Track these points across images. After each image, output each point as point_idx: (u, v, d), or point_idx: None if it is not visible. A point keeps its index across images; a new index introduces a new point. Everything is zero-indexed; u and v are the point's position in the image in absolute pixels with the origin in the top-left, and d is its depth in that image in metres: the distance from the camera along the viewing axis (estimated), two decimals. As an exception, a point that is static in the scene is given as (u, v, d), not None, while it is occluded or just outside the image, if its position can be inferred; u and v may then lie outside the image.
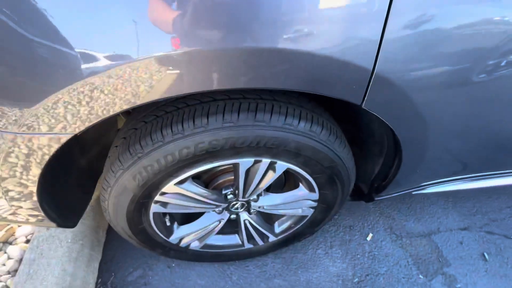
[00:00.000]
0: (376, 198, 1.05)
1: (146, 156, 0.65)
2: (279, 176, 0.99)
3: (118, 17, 0.45)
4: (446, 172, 1.06)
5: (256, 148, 0.69)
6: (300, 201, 0.93)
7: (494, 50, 0.57)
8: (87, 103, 0.52)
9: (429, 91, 0.59)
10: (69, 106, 0.52)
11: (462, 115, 0.69)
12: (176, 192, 0.75)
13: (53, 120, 0.54)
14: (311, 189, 0.88)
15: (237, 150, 0.67)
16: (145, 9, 0.45)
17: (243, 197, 0.86)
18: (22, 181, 0.67)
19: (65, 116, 0.54)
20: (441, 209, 1.46)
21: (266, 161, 0.73)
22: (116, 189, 0.71)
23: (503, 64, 0.60)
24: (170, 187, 0.73)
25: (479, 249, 1.29)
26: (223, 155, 0.68)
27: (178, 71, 0.49)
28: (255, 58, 0.50)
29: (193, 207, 0.83)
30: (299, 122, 0.67)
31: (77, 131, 0.56)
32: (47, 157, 0.60)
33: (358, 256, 1.24)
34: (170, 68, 0.49)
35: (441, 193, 1.49)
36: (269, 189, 1.03)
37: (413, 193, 1.15)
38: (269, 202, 0.93)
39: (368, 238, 1.31)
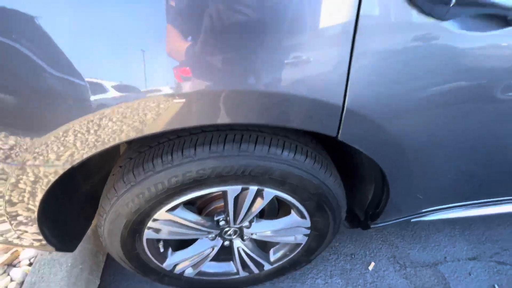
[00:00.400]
0: (372, 226, 1.04)
1: (138, 184, 0.70)
2: (273, 203, 1.01)
3: (131, 56, 0.51)
4: (445, 198, 1.04)
5: (242, 177, 0.72)
6: (293, 228, 0.94)
7: (467, 73, 0.59)
8: (95, 131, 0.57)
9: (403, 121, 0.62)
10: (79, 135, 0.58)
11: (444, 142, 0.70)
12: (168, 219, 0.78)
13: (57, 150, 0.60)
14: (302, 216, 0.89)
15: (223, 178, 0.71)
16: (158, 49, 0.51)
17: (235, 223, 0.88)
18: (30, 206, 0.72)
19: (74, 143, 0.58)
20: (448, 237, 1.41)
21: (253, 188, 0.76)
22: (110, 215, 0.75)
23: (478, 88, 0.61)
24: (161, 213, 0.76)
25: (489, 280, 1.22)
26: (211, 183, 0.72)
27: (186, 107, 0.55)
28: (245, 99, 0.56)
29: (185, 234, 0.85)
30: (282, 152, 0.71)
31: (76, 161, 0.62)
32: (48, 185, 0.65)
33: (359, 286, 1.20)
34: (178, 103, 0.54)
35: (445, 220, 1.45)
36: (263, 216, 1.04)
37: (412, 220, 1.12)
38: (261, 229, 0.94)
39: (370, 268, 1.27)
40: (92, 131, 0.57)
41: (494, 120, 0.67)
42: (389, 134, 0.63)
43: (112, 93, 0.53)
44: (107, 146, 0.59)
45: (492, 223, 1.47)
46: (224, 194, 0.78)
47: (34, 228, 0.76)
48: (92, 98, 0.53)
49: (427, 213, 1.12)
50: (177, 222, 0.80)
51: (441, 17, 0.48)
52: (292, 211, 0.90)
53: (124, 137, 0.59)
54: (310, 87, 0.54)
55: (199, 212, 0.96)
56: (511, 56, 0.55)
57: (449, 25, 0.50)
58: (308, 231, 0.94)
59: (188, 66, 0.52)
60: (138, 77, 0.52)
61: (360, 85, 0.54)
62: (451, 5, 0.46)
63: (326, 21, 0.48)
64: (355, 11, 0.47)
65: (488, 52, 0.54)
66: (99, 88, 0.53)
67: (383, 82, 0.55)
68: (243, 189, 0.76)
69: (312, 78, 0.54)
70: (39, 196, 0.68)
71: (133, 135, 0.58)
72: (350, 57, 0.51)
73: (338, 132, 0.61)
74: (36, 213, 0.72)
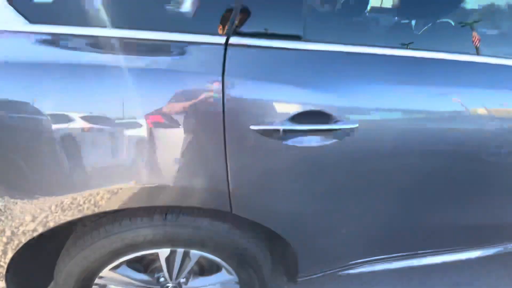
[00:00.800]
0: (298, 279, 1.19)
1: (87, 248, 0.90)
2: (212, 260, 1.18)
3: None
4: (364, 252, 1.21)
5: (168, 242, 0.92)
6: (225, 283, 1.10)
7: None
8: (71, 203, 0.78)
9: (277, 199, 0.84)
10: (55, 207, 0.77)
11: (321, 209, 0.92)
12: (111, 277, 0.96)
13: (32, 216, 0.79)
14: (229, 272, 1.06)
15: (153, 243, 0.91)
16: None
17: (171, 280, 1.05)
18: (1, 263, 0.90)
19: (50, 211, 0.78)
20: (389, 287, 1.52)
21: (180, 250, 0.96)
22: (64, 273, 0.93)
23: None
24: (105, 271, 0.94)
25: (419, 333, 1.31)
26: (144, 247, 0.91)
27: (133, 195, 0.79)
28: (167, 190, 0.80)
29: (128, 290, 1.02)
30: (221, 225, 0.92)
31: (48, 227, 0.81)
32: (18, 246, 0.83)
33: None
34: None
35: (384, 270, 1.57)
36: (204, 272, 1.21)
37: (339, 273, 1.28)
38: (198, 284, 1.10)
39: (312, 320, 1.37)
40: (66, 206, 0.79)
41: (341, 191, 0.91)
42: (271, 208, 0.86)
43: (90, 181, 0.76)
44: (80, 216, 0.80)
45: (432, 272, 1.59)
46: (158, 255, 0.97)
47: (2, 283, 0.92)
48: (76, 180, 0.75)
49: (355, 266, 1.27)
50: (118, 279, 0.98)
51: (278, 140, 0.76)
52: (223, 268, 1.08)
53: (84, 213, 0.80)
54: (208, 182, 0.80)
55: (146, 268, 1.13)
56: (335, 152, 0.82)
57: (289, 142, 0.77)
58: (238, 286, 1.10)
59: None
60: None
61: (236, 178, 0.79)
62: (280, 135, 0.73)
63: (205, 144, 0.76)
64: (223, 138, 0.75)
65: (317, 157, 0.81)
66: (83, 173, 0.75)
67: (252, 176, 0.80)
68: (172, 251, 0.96)
69: (208, 178, 0.79)
70: (9, 254, 0.86)
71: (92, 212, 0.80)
72: (226, 165, 0.77)
73: (231, 209, 0.84)
74: (5, 270, 0.89)
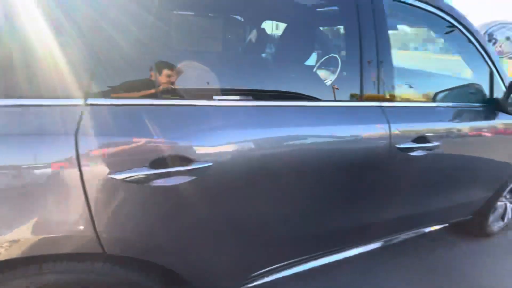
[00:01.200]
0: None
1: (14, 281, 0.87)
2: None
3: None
4: (260, 262, 1.33)
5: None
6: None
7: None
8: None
9: (146, 233, 0.95)
10: None
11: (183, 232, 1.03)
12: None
13: None
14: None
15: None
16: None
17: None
18: None
19: None
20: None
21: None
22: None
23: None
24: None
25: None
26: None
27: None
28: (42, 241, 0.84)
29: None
30: (103, 265, 0.96)
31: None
32: None
33: None
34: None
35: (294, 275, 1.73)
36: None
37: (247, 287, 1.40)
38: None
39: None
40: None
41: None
42: (143, 243, 0.95)
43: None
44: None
45: (331, 272, 1.83)
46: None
47: None
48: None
49: (256, 278, 1.41)
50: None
51: (139, 183, 0.88)
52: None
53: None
54: (76, 229, 0.85)
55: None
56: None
57: (150, 183, 0.89)
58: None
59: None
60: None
61: (101, 222, 0.86)
62: (139, 179, 0.86)
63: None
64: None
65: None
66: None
67: (117, 217, 0.88)
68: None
69: (76, 225, 0.85)
70: None
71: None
72: (90, 212, 0.85)
73: (104, 250, 0.91)
74: None
